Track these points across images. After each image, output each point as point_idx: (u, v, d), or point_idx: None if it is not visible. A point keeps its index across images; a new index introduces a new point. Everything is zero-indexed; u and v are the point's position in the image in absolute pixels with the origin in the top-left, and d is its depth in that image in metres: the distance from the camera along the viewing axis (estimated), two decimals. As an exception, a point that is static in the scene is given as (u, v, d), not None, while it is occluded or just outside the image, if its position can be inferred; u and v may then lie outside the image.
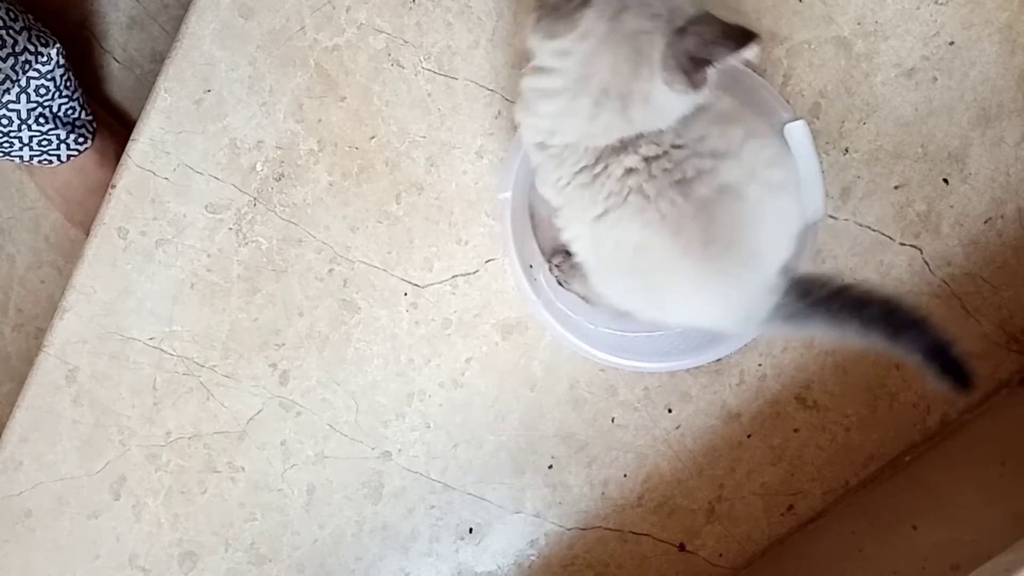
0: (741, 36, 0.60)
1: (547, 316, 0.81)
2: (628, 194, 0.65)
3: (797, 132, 0.78)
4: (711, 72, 0.61)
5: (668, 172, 0.64)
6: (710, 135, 0.65)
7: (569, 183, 0.68)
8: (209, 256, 0.89)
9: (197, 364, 0.90)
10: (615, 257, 0.69)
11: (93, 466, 0.91)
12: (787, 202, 0.69)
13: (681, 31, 0.61)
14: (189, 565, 0.92)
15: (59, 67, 0.94)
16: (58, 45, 0.93)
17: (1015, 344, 0.91)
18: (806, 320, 0.72)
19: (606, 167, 0.66)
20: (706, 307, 0.71)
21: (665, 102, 0.63)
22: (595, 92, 0.63)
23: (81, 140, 1.00)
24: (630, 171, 0.65)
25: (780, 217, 0.69)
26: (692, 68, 0.61)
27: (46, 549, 0.92)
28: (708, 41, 0.60)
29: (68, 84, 0.96)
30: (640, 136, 0.65)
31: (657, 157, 0.65)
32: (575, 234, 0.71)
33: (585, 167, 0.67)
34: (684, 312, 0.73)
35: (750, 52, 0.60)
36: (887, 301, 0.70)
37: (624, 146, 0.65)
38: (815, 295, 0.71)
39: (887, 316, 0.69)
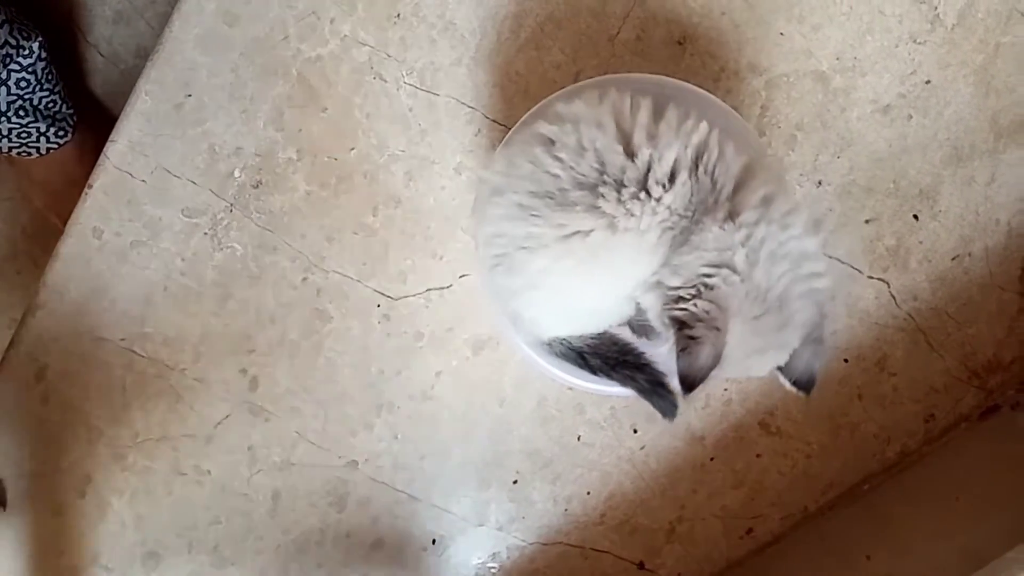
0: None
1: (516, 337, 0.82)
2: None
3: (769, 168, 0.79)
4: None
5: None
6: None
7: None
8: (184, 260, 0.89)
9: (167, 367, 0.90)
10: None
11: (59, 464, 0.91)
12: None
13: None
14: (152, 565, 0.92)
15: (41, 60, 0.94)
16: (40, 39, 0.93)
17: (976, 380, 0.93)
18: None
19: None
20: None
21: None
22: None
23: (61, 133, 0.99)
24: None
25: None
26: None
27: (9, 545, 0.92)
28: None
29: (50, 77, 0.96)
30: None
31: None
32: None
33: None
34: None
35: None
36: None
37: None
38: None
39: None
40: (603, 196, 0.64)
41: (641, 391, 0.78)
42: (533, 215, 0.66)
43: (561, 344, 0.78)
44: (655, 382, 0.77)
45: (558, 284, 0.69)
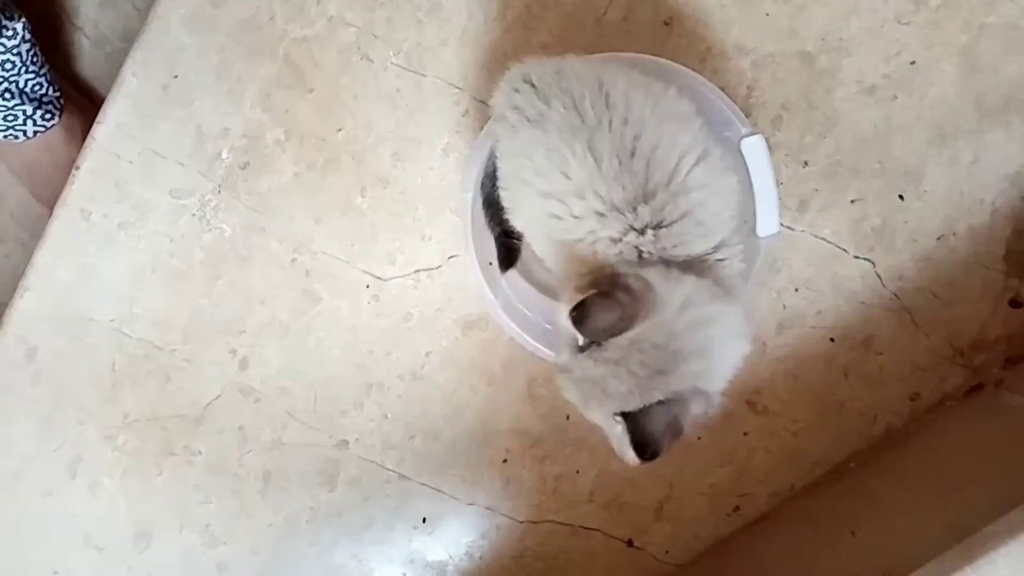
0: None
1: (504, 317, 0.82)
2: None
3: (755, 147, 0.79)
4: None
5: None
6: None
7: None
8: (172, 241, 0.89)
9: (157, 347, 0.91)
10: None
11: (50, 444, 0.92)
12: None
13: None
14: (143, 545, 0.93)
15: (25, 42, 0.93)
16: (24, 19, 0.92)
17: (961, 358, 0.94)
18: None
19: None
20: None
21: None
22: None
23: (48, 116, 0.99)
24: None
25: None
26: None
27: (0, 525, 0.92)
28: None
29: (35, 59, 0.95)
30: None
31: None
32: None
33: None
34: None
35: None
36: None
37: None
38: None
39: None
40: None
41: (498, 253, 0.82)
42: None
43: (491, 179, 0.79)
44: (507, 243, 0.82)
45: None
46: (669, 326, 0.63)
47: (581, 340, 0.64)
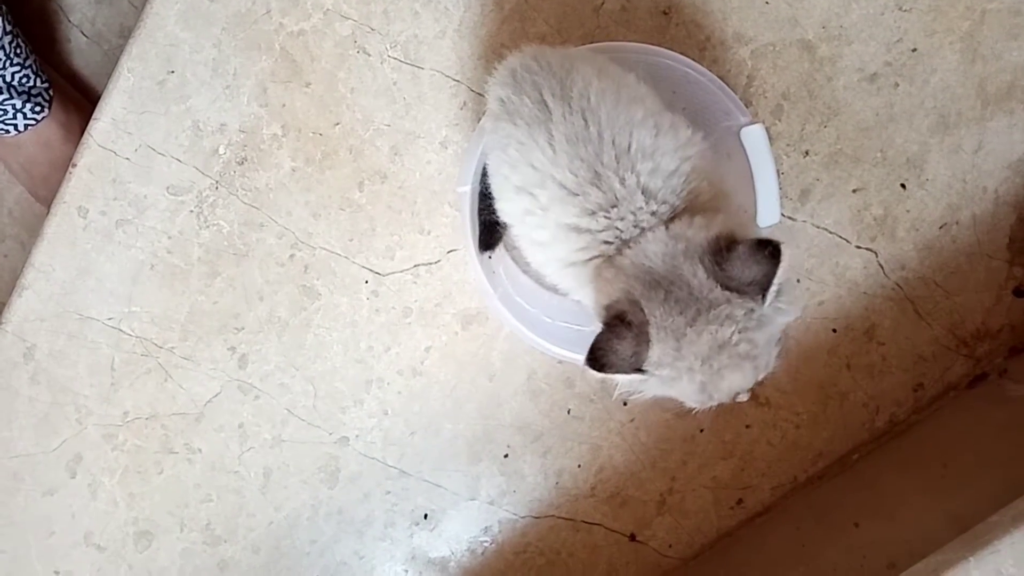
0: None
1: (503, 310, 0.82)
2: None
3: (754, 136, 0.79)
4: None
5: None
6: None
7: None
8: (170, 238, 0.89)
9: (156, 345, 0.90)
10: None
11: (49, 444, 0.91)
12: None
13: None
14: (144, 544, 0.93)
15: (7, 34, 0.92)
16: (3, 11, 0.91)
17: (964, 348, 0.93)
18: None
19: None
20: None
21: None
22: None
23: (38, 109, 0.98)
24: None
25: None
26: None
27: (0, 525, 0.92)
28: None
29: (19, 51, 0.94)
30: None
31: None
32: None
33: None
34: None
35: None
36: None
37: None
38: None
39: None
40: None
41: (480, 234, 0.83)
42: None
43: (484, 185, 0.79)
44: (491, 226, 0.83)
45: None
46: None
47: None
